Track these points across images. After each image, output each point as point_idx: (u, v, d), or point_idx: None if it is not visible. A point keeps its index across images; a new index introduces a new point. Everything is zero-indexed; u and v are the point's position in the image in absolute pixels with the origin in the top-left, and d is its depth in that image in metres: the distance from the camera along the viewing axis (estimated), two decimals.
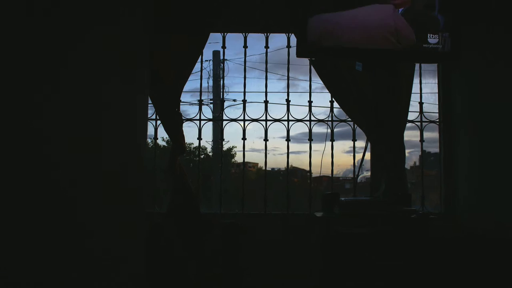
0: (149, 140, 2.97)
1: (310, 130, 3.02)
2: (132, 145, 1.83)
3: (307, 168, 2.99)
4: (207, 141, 3.38)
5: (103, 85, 1.63)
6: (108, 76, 1.64)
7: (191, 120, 3.00)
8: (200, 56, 2.95)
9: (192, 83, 3.06)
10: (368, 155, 2.96)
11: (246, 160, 3.02)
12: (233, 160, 3.99)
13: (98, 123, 1.61)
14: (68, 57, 1.51)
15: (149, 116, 2.90)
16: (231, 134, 3.10)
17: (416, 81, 2.96)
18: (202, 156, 3.12)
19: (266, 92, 3.02)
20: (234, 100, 3.13)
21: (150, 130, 2.97)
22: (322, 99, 3.09)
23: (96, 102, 1.60)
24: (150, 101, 2.74)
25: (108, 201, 1.59)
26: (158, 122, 2.96)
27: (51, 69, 1.47)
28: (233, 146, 3.77)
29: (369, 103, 2.81)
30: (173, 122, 2.75)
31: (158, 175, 3.02)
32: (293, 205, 2.99)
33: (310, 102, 3.04)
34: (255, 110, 3.09)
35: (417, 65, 3.00)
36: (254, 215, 2.95)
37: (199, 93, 3.01)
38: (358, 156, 2.98)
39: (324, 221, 2.55)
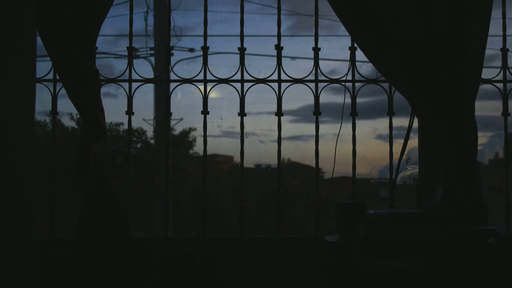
0: (44, 119, 2.94)
1: (316, 97, 3.02)
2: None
3: (314, 164, 3.02)
4: (145, 120, 3.33)
5: None
6: None
7: (114, 81, 2.98)
8: None
9: (118, 21, 3.02)
10: (415, 141, 2.97)
11: (216, 151, 3.05)
12: (191, 151, 3.99)
13: None
14: None
15: (39, 75, 2.91)
16: (186, 107, 3.10)
17: (496, 15, 2.92)
18: (138, 145, 3.06)
19: (241, 35, 3.03)
20: (191, 50, 3.09)
21: (44, 98, 2.93)
22: (338, 47, 3.05)
23: None
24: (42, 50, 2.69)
25: None
26: (59, 85, 2.95)
27: None
28: (190, 128, 3.75)
29: (416, 51, 2.77)
30: (84, 85, 2.71)
31: (59, 176, 2.97)
32: (290, 224, 3.05)
33: (316, 49, 3.03)
34: (225, 66, 3.06)
35: None
36: (223, 240, 2.98)
37: (128, 37, 3.00)
38: (399, 143, 2.93)
39: (340, 250, 2.55)
